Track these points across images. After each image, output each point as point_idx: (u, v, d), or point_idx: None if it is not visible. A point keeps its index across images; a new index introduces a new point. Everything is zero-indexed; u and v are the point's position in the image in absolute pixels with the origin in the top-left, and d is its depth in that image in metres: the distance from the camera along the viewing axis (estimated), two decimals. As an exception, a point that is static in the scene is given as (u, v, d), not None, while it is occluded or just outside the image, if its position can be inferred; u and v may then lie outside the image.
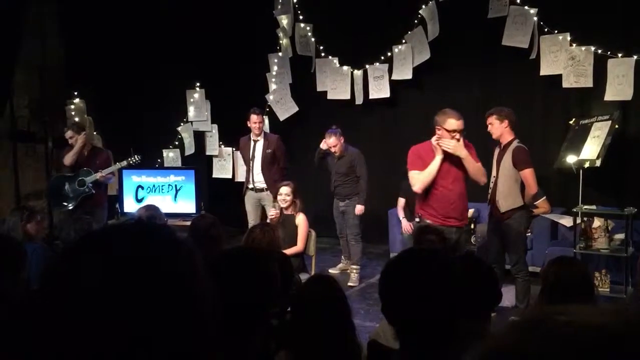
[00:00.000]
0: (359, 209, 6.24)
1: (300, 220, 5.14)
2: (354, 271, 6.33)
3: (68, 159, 6.34)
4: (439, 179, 4.42)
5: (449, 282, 1.52)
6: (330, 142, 6.15)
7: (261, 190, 6.52)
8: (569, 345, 0.51)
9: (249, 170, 6.64)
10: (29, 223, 4.14)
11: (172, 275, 0.72)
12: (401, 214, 6.54)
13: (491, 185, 4.99)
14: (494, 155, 5.06)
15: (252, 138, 6.59)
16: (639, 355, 0.50)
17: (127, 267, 0.69)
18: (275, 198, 5.73)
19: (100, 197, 6.48)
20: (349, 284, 6.15)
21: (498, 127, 4.96)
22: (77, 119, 7.67)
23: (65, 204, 6.38)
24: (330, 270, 6.55)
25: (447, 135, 4.37)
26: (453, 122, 4.36)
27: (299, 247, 5.06)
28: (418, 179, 4.47)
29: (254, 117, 6.47)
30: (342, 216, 6.45)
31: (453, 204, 4.46)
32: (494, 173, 5.01)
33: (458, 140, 4.38)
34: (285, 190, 5.20)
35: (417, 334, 1.49)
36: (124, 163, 6.55)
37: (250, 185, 6.61)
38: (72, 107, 7.91)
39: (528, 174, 4.75)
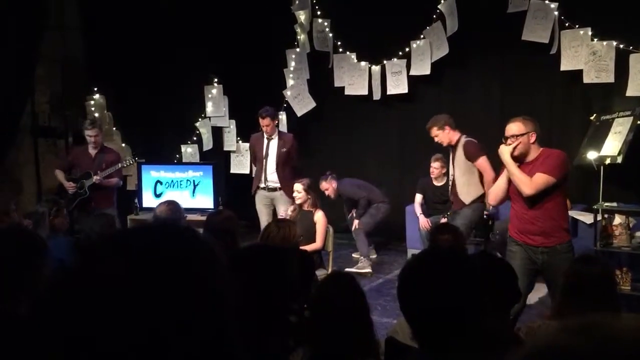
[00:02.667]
0: (355, 223, 6.48)
1: (319, 217, 5.16)
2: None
3: (57, 173, 6.32)
4: (512, 192, 3.98)
5: (468, 281, 1.51)
6: (322, 186, 6.50)
7: (274, 189, 6.35)
8: (629, 348, 0.51)
9: (261, 169, 6.45)
10: (56, 218, 4.21)
11: (193, 273, 0.72)
12: (418, 210, 6.52)
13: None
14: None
15: (265, 136, 6.45)
16: None
17: (148, 266, 0.70)
18: (289, 196, 5.78)
19: (107, 199, 6.28)
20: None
21: (445, 136, 5.42)
22: (97, 115, 7.75)
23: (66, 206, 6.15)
24: (353, 255, 6.82)
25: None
26: (507, 127, 4.00)
27: (317, 244, 5.07)
28: (490, 192, 4.26)
29: (260, 121, 6.34)
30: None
31: (532, 221, 3.88)
32: (451, 172, 5.51)
33: (509, 144, 3.91)
34: (298, 188, 5.23)
35: (436, 333, 1.48)
36: (118, 166, 6.27)
37: (262, 185, 6.43)
38: (92, 102, 7.99)
39: (483, 161, 5.16)
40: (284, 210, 5.87)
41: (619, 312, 2.51)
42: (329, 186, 6.48)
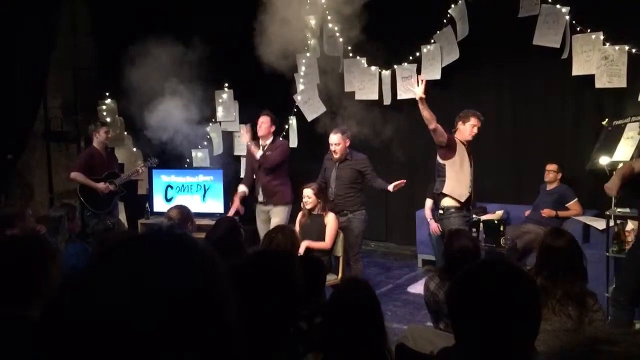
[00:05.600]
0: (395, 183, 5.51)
1: (330, 219, 5.15)
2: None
3: (78, 176, 6.31)
4: None
5: (530, 296, 1.50)
6: (333, 139, 5.53)
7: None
8: None
9: (256, 180, 6.10)
10: (71, 222, 4.25)
11: (193, 282, 0.72)
12: (429, 215, 6.49)
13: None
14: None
15: (261, 143, 6.11)
16: None
17: (147, 278, 0.70)
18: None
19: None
20: None
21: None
22: (108, 119, 7.80)
23: (102, 207, 6.36)
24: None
25: None
26: None
27: (326, 243, 5.04)
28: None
29: (260, 120, 6.10)
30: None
31: None
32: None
33: None
34: (307, 193, 5.21)
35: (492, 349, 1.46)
36: (146, 163, 7.01)
37: (261, 199, 6.04)
38: (104, 107, 8.05)
39: None
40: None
41: (584, 275, 2.95)
42: (341, 141, 5.54)
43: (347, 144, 5.61)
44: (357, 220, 5.55)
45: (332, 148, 5.57)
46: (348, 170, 5.57)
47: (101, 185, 6.28)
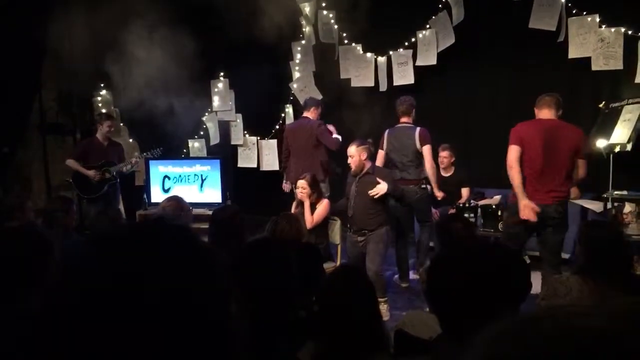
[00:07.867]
0: (382, 187, 4.93)
1: (321, 205, 5.13)
2: (382, 303, 4.84)
3: (70, 163, 6.55)
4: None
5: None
6: (350, 152, 5.08)
7: None
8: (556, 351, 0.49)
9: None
10: (66, 215, 4.24)
11: (193, 275, 0.71)
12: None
13: None
14: None
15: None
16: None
17: (148, 266, 0.69)
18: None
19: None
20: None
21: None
22: (104, 110, 7.77)
23: (91, 193, 6.60)
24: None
25: None
26: None
27: (308, 219, 5.03)
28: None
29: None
30: (359, 250, 5.15)
31: None
32: None
33: None
34: (301, 184, 5.18)
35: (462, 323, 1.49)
36: (147, 154, 6.98)
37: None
38: (99, 98, 8.01)
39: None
40: None
41: (631, 270, 2.73)
42: (356, 154, 5.04)
43: (364, 157, 5.04)
44: (375, 240, 5.03)
45: (349, 160, 5.13)
46: (368, 185, 4.98)
47: (91, 172, 6.48)
